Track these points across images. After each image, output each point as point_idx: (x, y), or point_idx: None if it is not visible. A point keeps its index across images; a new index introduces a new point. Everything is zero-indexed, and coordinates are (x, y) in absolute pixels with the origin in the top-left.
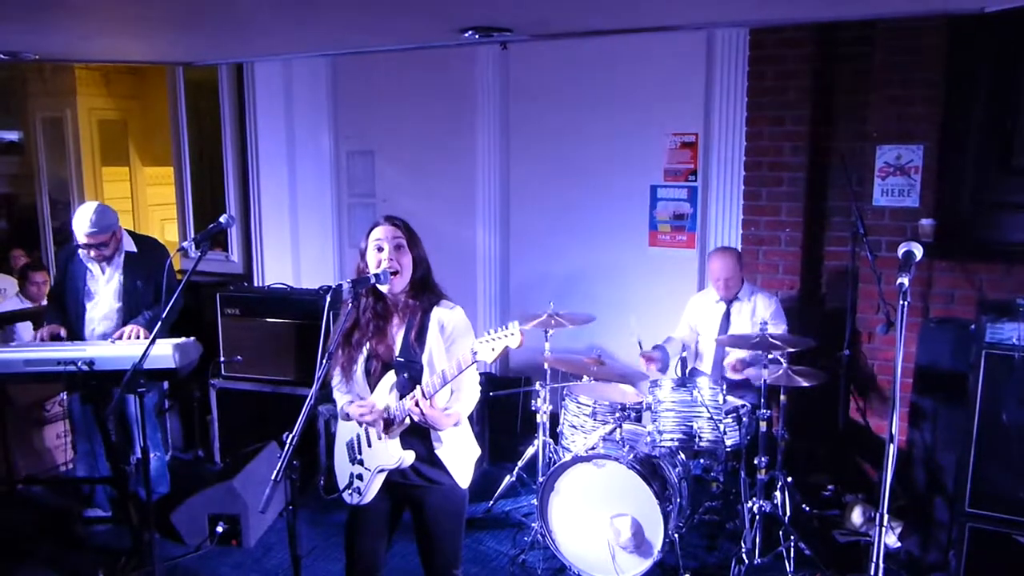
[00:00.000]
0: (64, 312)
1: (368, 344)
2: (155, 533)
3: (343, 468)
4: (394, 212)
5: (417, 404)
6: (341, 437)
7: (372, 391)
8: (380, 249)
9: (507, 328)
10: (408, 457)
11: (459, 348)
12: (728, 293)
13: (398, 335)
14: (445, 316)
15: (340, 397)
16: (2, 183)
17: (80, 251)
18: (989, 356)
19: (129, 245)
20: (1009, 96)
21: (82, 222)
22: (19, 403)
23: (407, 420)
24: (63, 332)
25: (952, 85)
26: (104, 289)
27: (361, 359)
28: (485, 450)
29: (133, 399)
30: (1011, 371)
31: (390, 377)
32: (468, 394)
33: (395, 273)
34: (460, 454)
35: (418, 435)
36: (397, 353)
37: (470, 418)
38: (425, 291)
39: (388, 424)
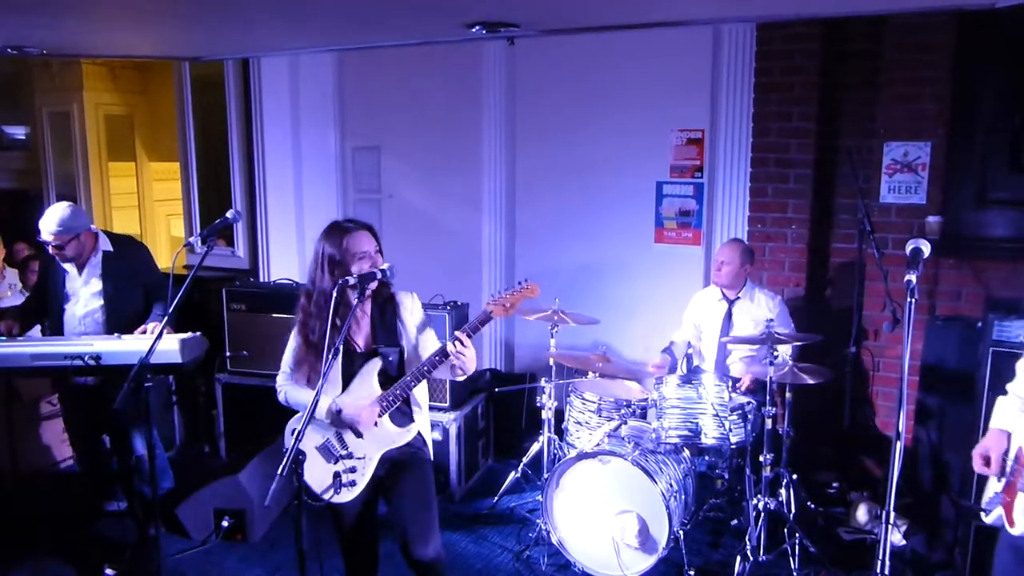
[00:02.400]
0: (39, 312)
1: (340, 342)
2: (161, 527)
3: (320, 472)
4: (400, 208)
5: (462, 343)
6: (308, 444)
7: (346, 385)
8: (363, 258)
9: (522, 285)
10: (414, 429)
11: (428, 331)
12: (720, 279)
13: (367, 326)
14: (407, 300)
15: (303, 394)
16: (9, 178)
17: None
18: (996, 354)
19: (105, 245)
20: (1018, 93)
21: (45, 221)
22: (25, 398)
23: (458, 357)
24: (16, 330)
25: (960, 82)
26: (82, 290)
27: (336, 357)
28: (490, 446)
29: (135, 398)
30: None
31: (375, 364)
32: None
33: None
34: (427, 426)
35: (403, 411)
36: (373, 342)
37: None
38: (381, 285)
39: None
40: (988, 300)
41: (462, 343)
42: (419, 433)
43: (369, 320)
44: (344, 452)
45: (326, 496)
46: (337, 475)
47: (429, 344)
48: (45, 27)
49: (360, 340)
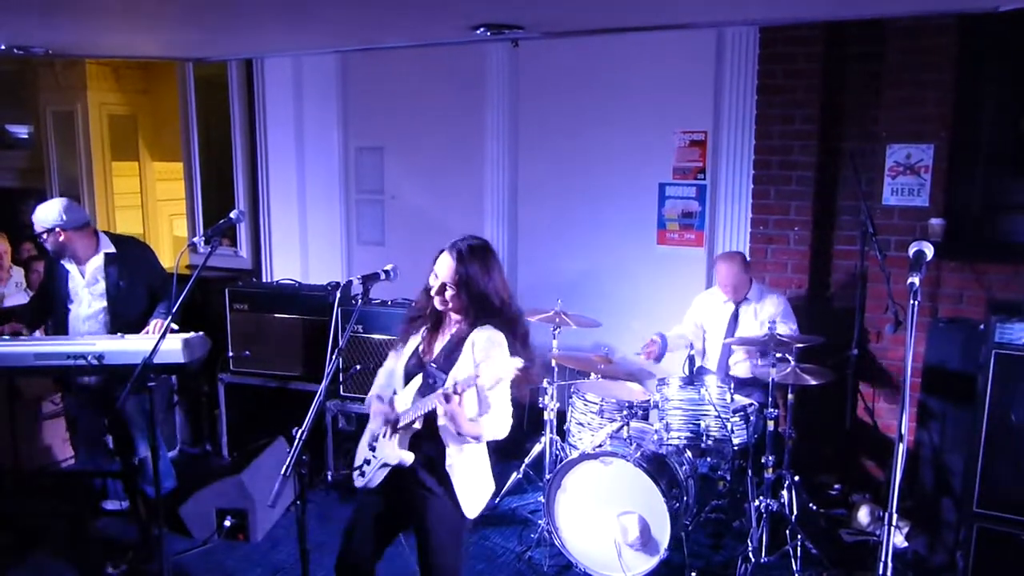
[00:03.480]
0: (44, 311)
1: (418, 342)
2: (163, 527)
3: (362, 449)
4: (402, 208)
5: (447, 398)
6: (373, 423)
7: (404, 387)
8: (436, 276)
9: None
10: (407, 458)
11: (485, 366)
12: (737, 296)
13: (440, 343)
14: (478, 336)
15: (377, 382)
16: (12, 177)
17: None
18: (998, 356)
19: (107, 246)
20: (1020, 95)
21: (37, 211)
22: (26, 397)
23: (415, 424)
24: (24, 331)
25: (963, 84)
26: (83, 291)
27: (406, 354)
28: (491, 447)
29: (138, 399)
30: (1020, 371)
31: (419, 379)
32: (495, 418)
33: (444, 305)
34: (469, 477)
35: (430, 440)
36: (432, 359)
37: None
38: (482, 313)
39: (392, 425)
40: (990, 302)
41: (447, 399)
42: (451, 481)
43: (447, 338)
44: (375, 444)
45: (354, 471)
46: (363, 460)
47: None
48: (50, 27)
49: (430, 351)
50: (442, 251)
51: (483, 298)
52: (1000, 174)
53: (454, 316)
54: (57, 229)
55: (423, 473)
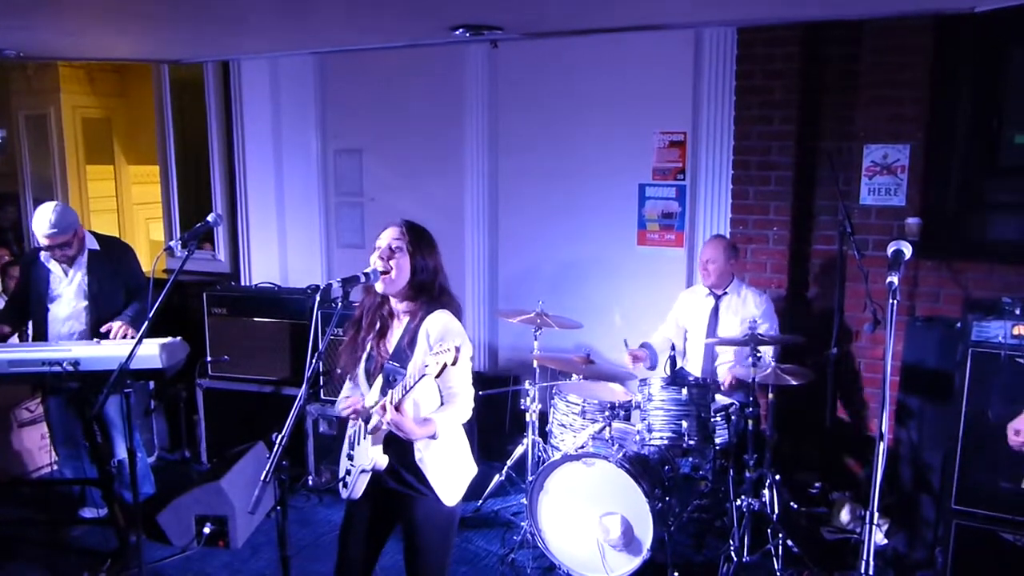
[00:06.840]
0: (22, 314)
1: (370, 343)
2: (141, 534)
3: (343, 460)
4: (381, 211)
5: (384, 410)
6: (349, 429)
7: (370, 388)
8: (378, 249)
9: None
10: (381, 460)
11: (432, 357)
12: (710, 279)
13: (394, 337)
14: (431, 322)
15: (343, 392)
16: None
17: (42, 253)
18: (975, 354)
19: (92, 243)
20: (994, 96)
21: (41, 223)
22: (2, 404)
23: (383, 425)
24: (7, 329)
25: (938, 85)
26: (67, 290)
27: (363, 358)
28: (474, 449)
29: (119, 399)
30: (997, 369)
31: (381, 379)
32: (457, 406)
33: (385, 273)
34: (445, 467)
35: (398, 439)
36: (390, 356)
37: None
38: (425, 296)
39: (365, 419)
40: (967, 301)
41: (384, 411)
42: (425, 475)
43: (401, 331)
44: (352, 452)
45: (339, 483)
46: (345, 470)
47: (444, 379)
48: (21, 29)
49: (382, 349)
50: (385, 228)
51: (428, 270)
52: (976, 173)
53: (401, 307)
54: (78, 228)
55: (401, 472)
